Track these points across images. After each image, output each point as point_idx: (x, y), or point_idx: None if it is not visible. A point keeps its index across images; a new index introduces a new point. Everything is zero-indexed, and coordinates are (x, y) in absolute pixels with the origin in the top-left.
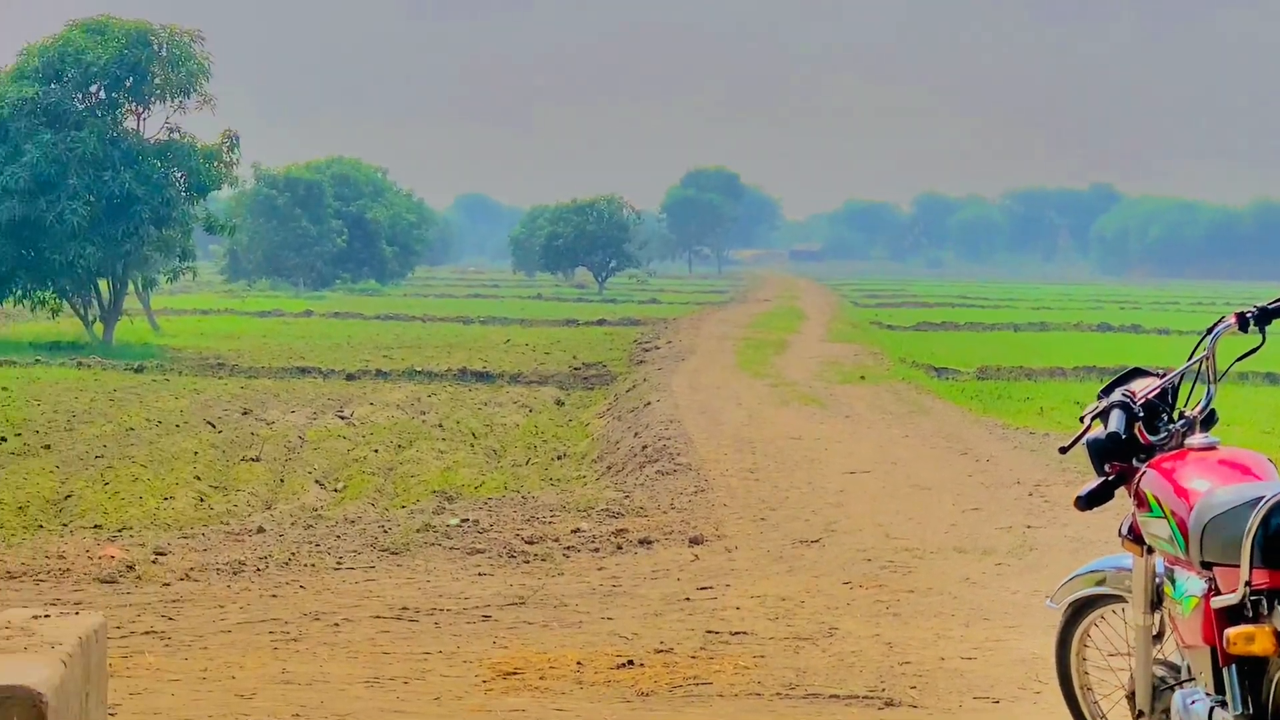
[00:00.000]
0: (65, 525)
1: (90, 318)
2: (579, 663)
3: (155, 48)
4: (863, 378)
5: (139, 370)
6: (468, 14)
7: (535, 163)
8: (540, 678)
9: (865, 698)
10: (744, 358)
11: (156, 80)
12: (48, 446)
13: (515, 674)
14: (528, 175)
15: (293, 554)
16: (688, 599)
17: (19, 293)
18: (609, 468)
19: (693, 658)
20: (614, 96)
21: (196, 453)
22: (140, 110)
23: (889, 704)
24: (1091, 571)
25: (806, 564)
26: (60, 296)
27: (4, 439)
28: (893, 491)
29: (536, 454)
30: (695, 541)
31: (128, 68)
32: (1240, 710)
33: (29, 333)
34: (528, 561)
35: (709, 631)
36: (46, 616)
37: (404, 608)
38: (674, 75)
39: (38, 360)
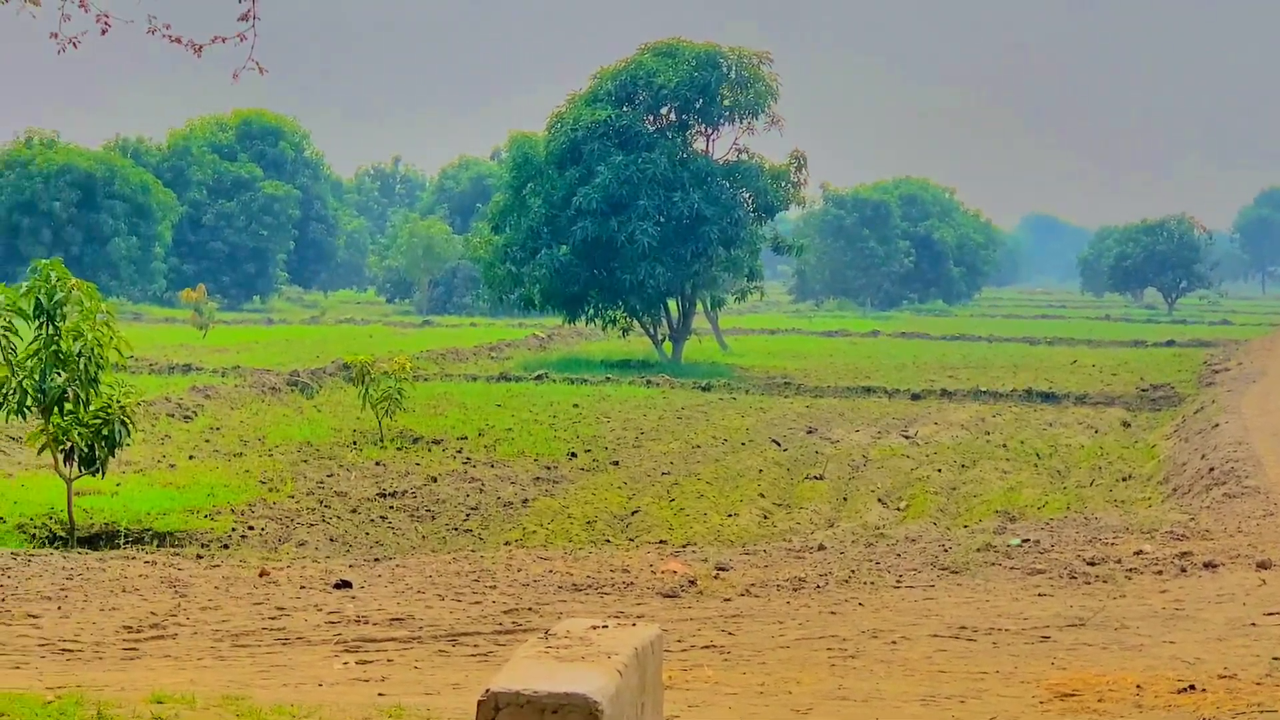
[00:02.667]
0: (631, 540)
1: (659, 336)
2: (1138, 686)
3: (724, 70)
4: None
5: (706, 389)
6: (1034, 34)
7: (1104, 182)
8: (1099, 700)
9: None
10: None
11: (725, 102)
12: (616, 463)
13: (1073, 696)
14: (1096, 195)
15: (853, 571)
16: (1253, 624)
17: (591, 311)
18: (1174, 490)
19: (1258, 684)
20: (1181, 114)
21: (761, 470)
22: (709, 131)
23: None
24: None
25: None
26: (630, 315)
27: (574, 454)
28: None
29: (1101, 475)
30: (1263, 566)
31: (697, 90)
32: None
33: (600, 350)
34: (1089, 583)
35: (1275, 658)
36: (604, 627)
37: (962, 626)
38: (1244, 90)
39: (608, 378)
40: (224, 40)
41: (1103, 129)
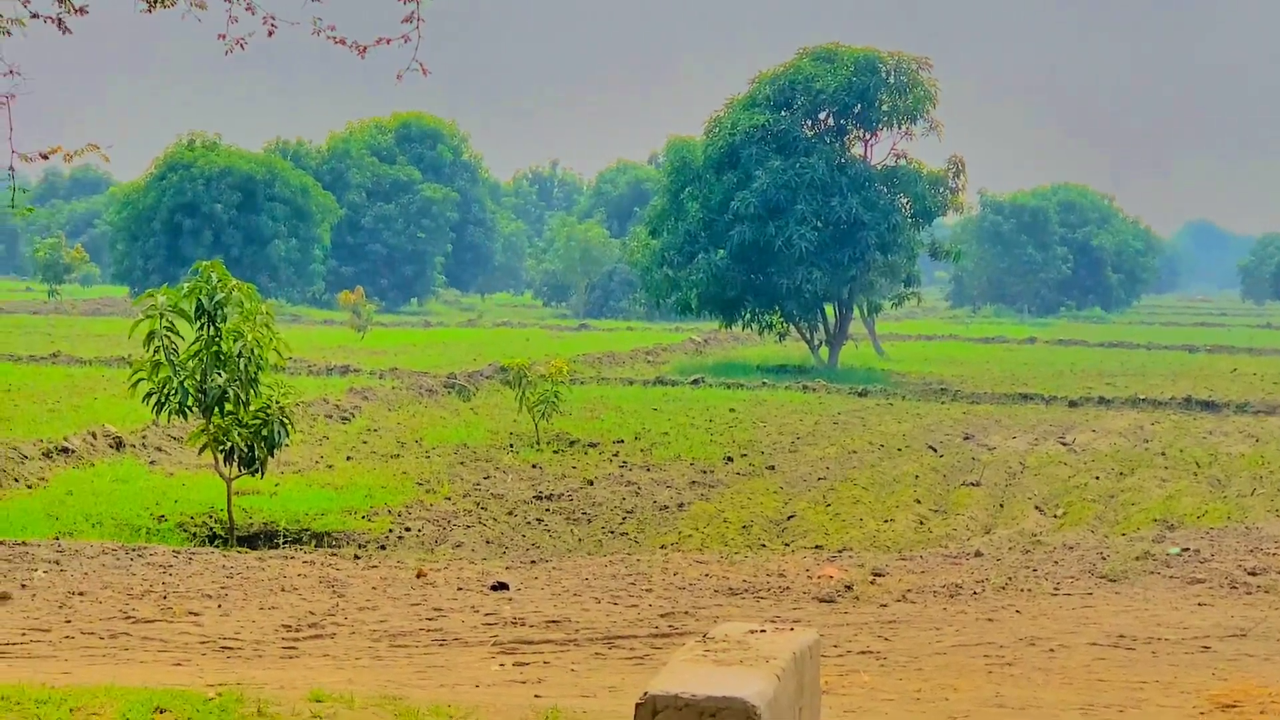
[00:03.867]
0: (787, 544)
1: (816, 342)
2: None
3: (883, 75)
4: None
5: (862, 394)
6: (1193, 40)
7: (1268, 188)
8: (1260, 712)
9: None
10: None
11: (884, 107)
12: (772, 467)
13: (1234, 707)
14: (1259, 202)
15: (1010, 578)
16: None
17: (747, 316)
18: None
19: None
20: None
21: (917, 476)
22: (867, 137)
23: None
24: None
25: None
26: (787, 320)
27: (730, 459)
28: None
29: (1263, 484)
30: None
31: (856, 95)
32: None
33: (756, 355)
34: (1250, 593)
35: None
36: (762, 631)
37: (1120, 635)
38: None
39: (764, 383)
40: (388, 42)
41: (1268, 134)
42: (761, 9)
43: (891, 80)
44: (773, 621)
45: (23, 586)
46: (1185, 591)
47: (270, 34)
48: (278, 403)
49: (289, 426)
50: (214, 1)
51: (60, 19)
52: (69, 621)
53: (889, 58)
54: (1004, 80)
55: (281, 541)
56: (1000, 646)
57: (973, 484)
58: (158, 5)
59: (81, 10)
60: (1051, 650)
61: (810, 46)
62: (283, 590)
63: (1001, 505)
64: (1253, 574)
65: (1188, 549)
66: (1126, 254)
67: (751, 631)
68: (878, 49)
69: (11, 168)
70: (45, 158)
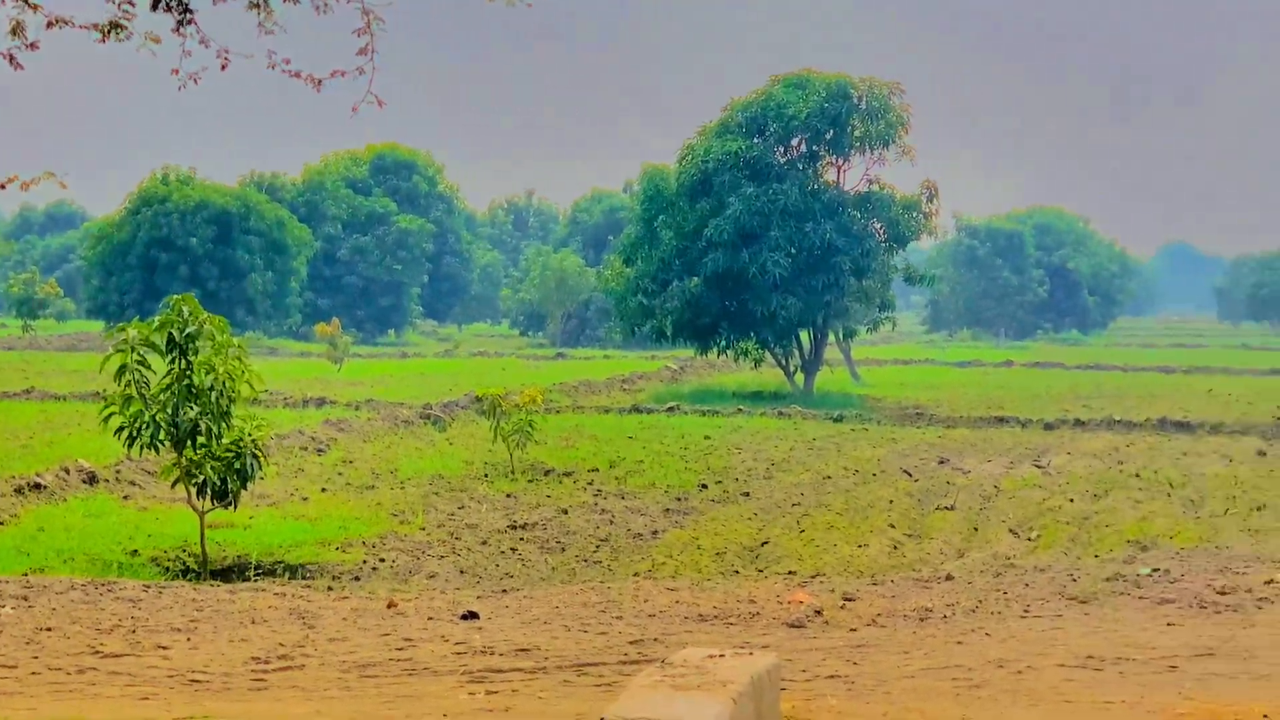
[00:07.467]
0: (760, 571)
1: (791, 368)
2: (1265, 716)
3: (855, 100)
4: None
5: (838, 420)
6: (1169, 66)
7: (1243, 209)
8: None
9: None
10: None
11: (856, 133)
12: (747, 494)
13: None
14: (1234, 223)
15: (980, 601)
16: None
17: (723, 343)
18: None
19: None
20: None
21: (892, 501)
22: (840, 162)
23: None
24: None
25: None
26: (762, 346)
27: (705, 486)
28: None
29: (1235, 504)
30: None
31: (828, 121)
32: None
33: (732, 382)
34: (1219, 612)
35: None
36: (722, 656)
37: (1089, 656)
38: None
39: (739, 410)
40: (343, 74)
41: (1248, 152)
42: (736, 38)
43: (863, 105)
44: (740, 647)
45: None
46: (1154, 612)
47: (224, 68)
48: (251, 436)
49: (262, 459)
50: (169, 35)
51: (12, 55)
52: (36, 657)
53: (860, 83)
54: (978, 102)
55: (254, 574)
56: (968, 669)
57: (947, 508)
58: (110, 35)
59: (33, 45)
60: (1019, 672)
61: (782, 74)
62: (253, 623)
63: (975, 529)
64: (1222, 593)
65: (1158, 569)
66: (1103, 276)
67: (710, 656)
68: (849, 75)
69: None
70: (2, 187)
